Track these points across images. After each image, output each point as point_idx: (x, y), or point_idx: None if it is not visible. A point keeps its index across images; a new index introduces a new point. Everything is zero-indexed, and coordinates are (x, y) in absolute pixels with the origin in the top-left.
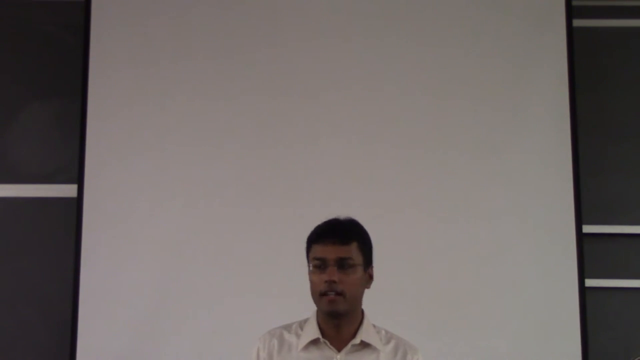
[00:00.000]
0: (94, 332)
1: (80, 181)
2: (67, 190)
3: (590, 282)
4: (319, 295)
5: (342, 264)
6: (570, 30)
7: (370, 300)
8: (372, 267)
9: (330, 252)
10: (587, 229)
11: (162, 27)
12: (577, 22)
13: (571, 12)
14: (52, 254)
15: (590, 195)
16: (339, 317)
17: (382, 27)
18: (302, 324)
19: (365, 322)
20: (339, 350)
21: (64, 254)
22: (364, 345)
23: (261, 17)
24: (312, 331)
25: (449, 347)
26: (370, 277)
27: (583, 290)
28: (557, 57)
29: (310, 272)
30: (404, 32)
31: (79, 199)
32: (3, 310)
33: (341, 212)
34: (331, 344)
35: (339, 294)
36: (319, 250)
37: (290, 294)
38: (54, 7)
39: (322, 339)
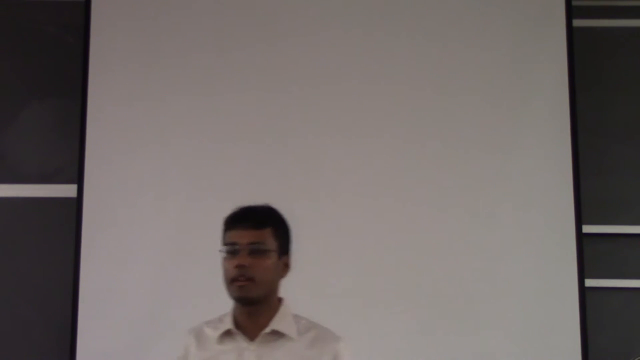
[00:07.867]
0: (94, 332)
1: (80, 181)
2: (67, 190)
3: (590, 282)
4: (229, 282)
5: (254, 249)
6: (570, 30)
7: (370, 300)
8: (288, 256)
9: (242, 236)
10: (587, 229)
11: (162, 27)
12: (577, 22)
13: (571, 12)
14: (52, 254)
15: (590, 195)
16: (250, 304)
17: (382, 26)
18: (222, 317)
19: (282, 311)
20: (252, 340)
21: (64, 254)
22: (279, 335)
23: (261, 16)
24: (226, 322)
25: (448, 346)
26: (285, 266)
27: (583, 290)
28: (557, 57)
29: (223, 259)
30: (404, 32)
31: (79, 199)
32: (3, 310)
33: (341, 211)
34: (246, 334)
35: (250, 279)
36: (231, 235)
37: (291, 294)
38: (54, 7)
39: (233, 330)
